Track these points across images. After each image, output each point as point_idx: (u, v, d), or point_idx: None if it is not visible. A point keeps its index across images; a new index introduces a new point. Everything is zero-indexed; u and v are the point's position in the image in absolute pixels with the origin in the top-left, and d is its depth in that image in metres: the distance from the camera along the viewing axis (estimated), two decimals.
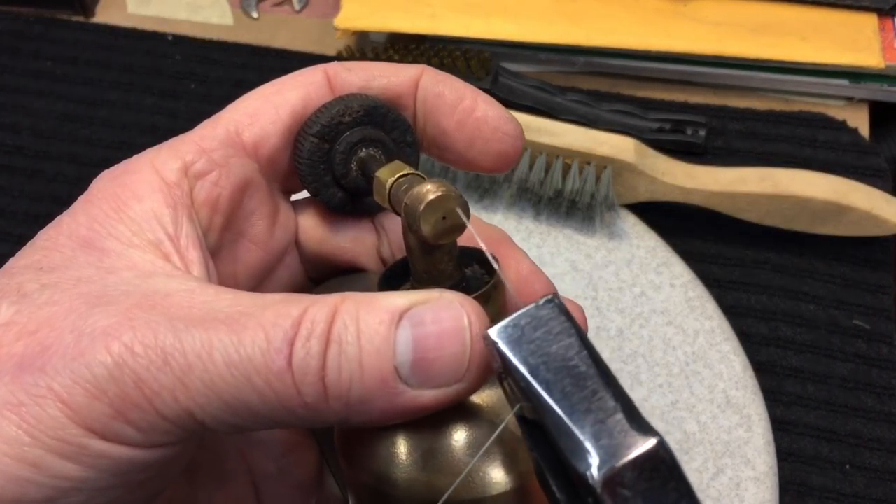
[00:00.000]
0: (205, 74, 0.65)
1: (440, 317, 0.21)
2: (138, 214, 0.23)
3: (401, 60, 0.61)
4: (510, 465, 0.24)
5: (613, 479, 0.19)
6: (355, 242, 0.28)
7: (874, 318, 0.53)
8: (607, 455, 0.19)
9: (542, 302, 0.21)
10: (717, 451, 0.48)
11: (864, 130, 0.61)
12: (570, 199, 0.54)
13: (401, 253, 0.27)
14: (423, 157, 0.28)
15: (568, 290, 0.53)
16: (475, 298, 0.22)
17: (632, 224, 0.55)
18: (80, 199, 0.24)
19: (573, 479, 0.19)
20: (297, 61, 0.66)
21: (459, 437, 0.24)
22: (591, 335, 0.28)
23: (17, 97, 0.65)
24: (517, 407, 0.21)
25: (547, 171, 0.54)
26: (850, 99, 0.63)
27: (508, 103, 0.59)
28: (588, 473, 0.19)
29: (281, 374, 0.20)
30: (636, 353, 0.51)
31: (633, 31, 0.62)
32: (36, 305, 0.22)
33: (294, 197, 0.29)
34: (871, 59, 0.59)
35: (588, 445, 0.19)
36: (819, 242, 0.56)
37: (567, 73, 0.64)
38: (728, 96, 0.63)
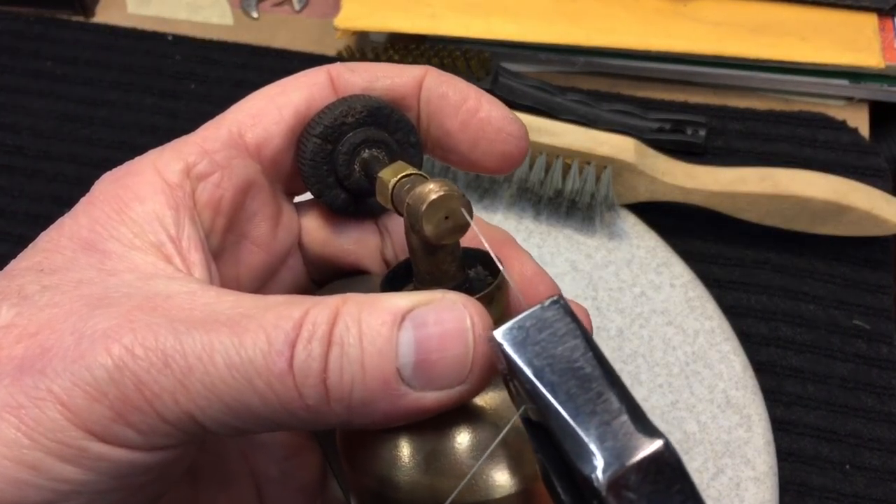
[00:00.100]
0: (205, 74, 0.65)
1: (443, 318, 0.21)
2: (140, 216, 0.23)
3: (401, 60, 0.61)
4: (514, 468, 0.24)
5: (618, 481, 0.19)
6: (358, 244, 0.28)
7: (874, 318, 0.53)
8: (612, 457, 0.19)
9: (547, 303, 0.21)
10: (717, 451, 0.48)
11: (864, 130, 0.61)
12: (570, 199, 0.54)
13: (404, 255, 0.27)
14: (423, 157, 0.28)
15: (568, 290, 0.53)
16: (478, 300, 0.22)
17: (632, 224, 0.55)
18: (82, 200, 0.24)
19: (578, 481, 0.19)
20: (297, 61, 0.66)
21: (463, 439, 0.24)
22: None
23: (17, 97, 0.65)
24: (522, 408, 0.21)
25: (547, 171, 0.54)
26: (850, 99, 0.63)
27: (508, 103, 0.58)
28: (593, 476, 0.19)
29: (282, 377, 0.20)
30: (636, 353, 0.51)
31: (633, 31, 0.62)
32: (37, 307, 0.22)
33: (297, 199, 0.29)
34: (871, 59, 0.59)
35: (593, 447, 0.19)
36: (819, 242, 0.56)
37: (567, 73, 0.64)
38: (728, 96, 0.63)
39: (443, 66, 0.59)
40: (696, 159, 0.58)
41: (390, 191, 0.25)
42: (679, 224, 0.57)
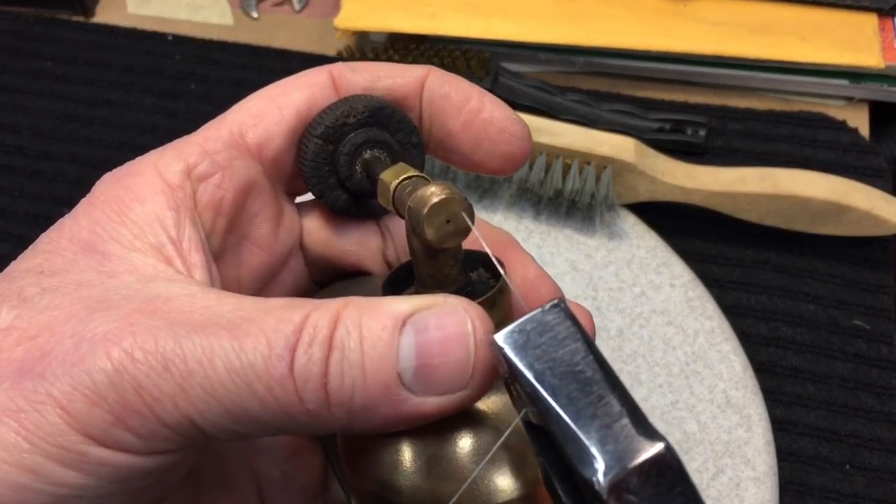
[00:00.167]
0: (205, 74, 0.65)
1: (444, 322, 0.21)
2: (140, 217, 0.23)
3: (401, 60, 0.61)
4: (516, 473, 0.24)
5: (619, 484, 0.19)
6: (360, 245, 0.28)
7: (874, 318, 0.53)
8: (613, 460, 0.19)
9: (548, 307, 0.21)
10: (717, 451, 0.48)
11: (864, 130, 0.61)
12: (570, 199, 0.54)
13: (406, 256, 0.27)
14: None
15: (568, 290, 0.53)
16: (480, 303, 0.22)
17: (632, 224, 0.55)
18: (83, 201, 0.24)
19: (580, 484, 0.19)
20: (297, 61, 0.66)
21: (464, 444, 0.24)
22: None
23: (17, 97, 0.65)
24: (523, 412, 0.21)
25: (547, 171, 0.54)
26: (850, 99, 0.63)
27: (508, 103, 0.58)
28: (594, 479, 0.19)
29: (283, 381, 0.20)
30: (636, 353, 0.51)
31: (633, 31, 0.62)
32: (36, 310, 0.22)
33: (298, 199, 0.28)
34: (871, 59, 0.59)
35: (594, 451, 0.19)
36: (819, 242, 0.56)
37: (567, 73, 0.64)
38: (728, 96, 0.63)
39: (443, 66, 0.59)
40: (696, 159, 0.58)
41: (392, 193, 0.24)
42: (679, 224, 0.57)
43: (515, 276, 0.27)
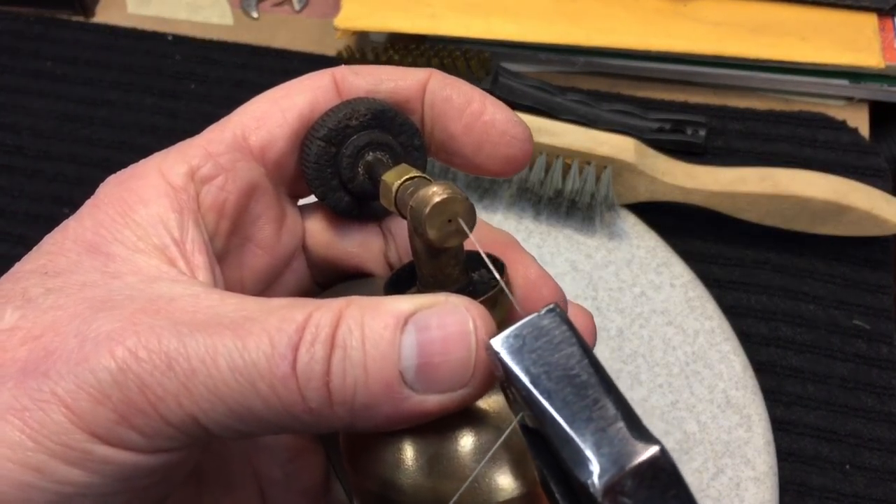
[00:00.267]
0: (205, 74, 0.65)
1: (445, 321, 0.21)
2: (144, 219, 0.23)
3: (401, 60, 0.61)
4: (517, 472, 0.24)
5: (614, 487, 0.19)
6: (362, 247, 0.28)
7: (874, 318, 0.53)
8: (608, 463, 0.19)
9: (543, 311, 0.21)
10: (717, 451, 0.48)
11: (864, 130, 0.61)
12: (570, 199, 0.54)
13: (408, 257, 0.27)
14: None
15: (568, 290, 0.53)
16: (481, 303, 0.22)
17: (632, 224, 0.55)
18: (87, 203, 0.24)
19: (575, 487, 0.19)
20: (297, 61, 0.66)
21: (465, 442, 0.24)
22: None
23: (17, 97, 0.65)
24: (520, 415, 0.21)
25: (547, 171, 0.54)
26: (850, 99, 0.63)
27: (508, 103, 0.58)
28: (589, 482, 0.19)
29: (285, 380, 0.20)
30: (636, 353, 0.51)
31: (633, 31, 0.62)
32: (41, 310, 0.22)
33: (301, 201, 0.29)
34: (871, 59, 0.59)
35: (589, 454, 0.19)
36: (819, 242, 0.56)
37: (567, 73, 0.64)
38: (728, 96, 0.63)
39: (443, 67, 0.60)
40: (696, 159, 0.58)
41: (394, 194, 0.24)
42: (679, 224, 0.57)
43: (517, 277, 0.27)
